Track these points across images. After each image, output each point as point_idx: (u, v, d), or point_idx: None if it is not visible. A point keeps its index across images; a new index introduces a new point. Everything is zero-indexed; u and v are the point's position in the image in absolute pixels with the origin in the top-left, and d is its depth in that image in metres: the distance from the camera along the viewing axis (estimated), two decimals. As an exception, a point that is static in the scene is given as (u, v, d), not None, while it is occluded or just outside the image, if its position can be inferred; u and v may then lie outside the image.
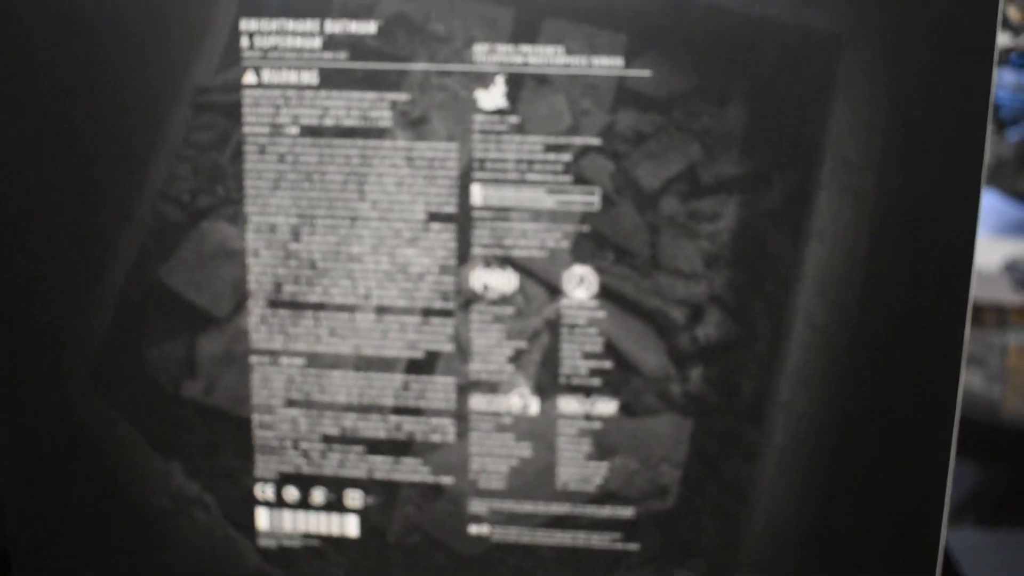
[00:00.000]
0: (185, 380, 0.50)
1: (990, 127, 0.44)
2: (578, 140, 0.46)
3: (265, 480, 0.51)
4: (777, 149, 0.45)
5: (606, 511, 0.49)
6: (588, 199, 0.46)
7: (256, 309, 0.49)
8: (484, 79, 0.45)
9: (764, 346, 0.46)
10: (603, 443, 0.48)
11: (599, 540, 0.49)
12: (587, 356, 0.47)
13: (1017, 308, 0.95)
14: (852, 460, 0.47)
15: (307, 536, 0.51)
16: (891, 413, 0.47)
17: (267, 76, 0.46)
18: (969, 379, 0.93)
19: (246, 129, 0.47)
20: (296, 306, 0.48)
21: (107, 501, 0.52)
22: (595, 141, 0.46)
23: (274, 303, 0.49)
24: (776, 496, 0.48)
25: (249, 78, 0.47)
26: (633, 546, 0.49)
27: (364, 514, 0.50)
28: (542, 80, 0.45)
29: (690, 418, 0.47)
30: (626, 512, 0.49)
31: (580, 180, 0.46)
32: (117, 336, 0.50)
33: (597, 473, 0.49)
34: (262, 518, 0.51)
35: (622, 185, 0.46)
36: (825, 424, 0.47)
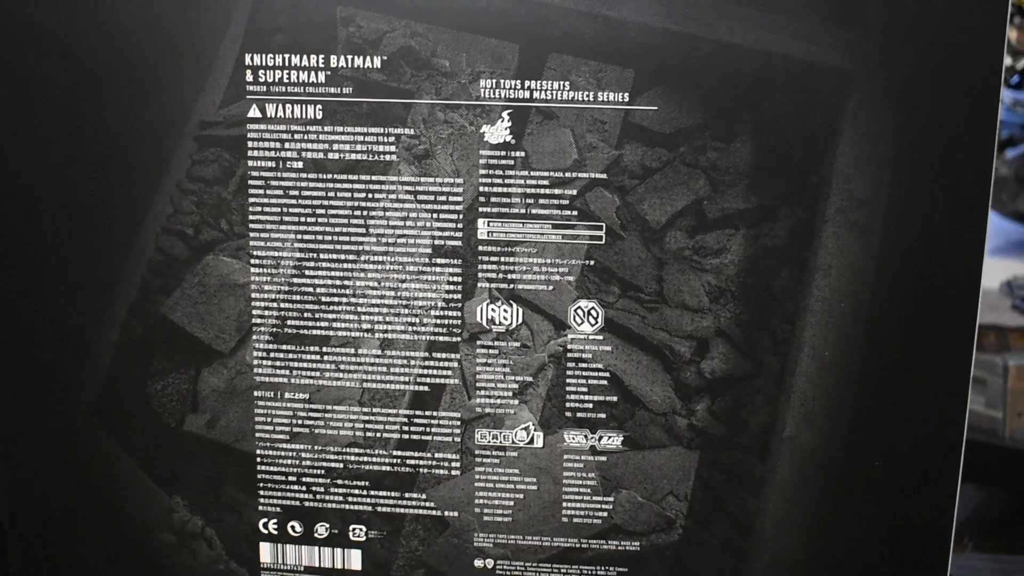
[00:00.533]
0: (188, 414, 0.49)
1: (994, 159, 0.44)
2: (584, 175, 0.46)
3: (268, 514, 0.50)
4: (783, 184, 0.45)
5: (612, 545, 0.49)
6: (594, 233, 0.46)
7: (260, 344, 0.48)
8: (489, 114, 0.45)
9: (770, 380, 0.46)
10: (609, 477, 0.48)
11: (604, 574, 0.49)
12: (592, 390, 0.47)
13: (1017, 330, 0.95)
14: (858, 494, 0.47)
15: (310, 570, 0.51)
16: (897, 448, 0.47)
17: (271, 110, 0.46)
18: (970, 401, 0.93)
19: (251, 163, 0.47)
20: (300, 340, 0.48)
21: (110, 535, 0.51)
22: (601, 176, 0.45)
23: (278, 337, 0.48)
24: (782, 530, 0.48)
25: (254, 112, 0.46)
26: (639, 580, 0.49)
27: (367, 548, 0.50)
28: (548, 115, 0.45)
29: (696, 451, 0.47)
30: (632, 545, 0.49)
31: (585, 215, 0.46)
32: (120, 370, 0.49)
33: (603, 507, 0.48)
34: (265, 552, 0.51)
35: (628, 220, 0.46)
36: (831, 458, 0.47)
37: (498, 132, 0.45)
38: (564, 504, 0.49)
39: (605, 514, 0.48)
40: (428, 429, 0.48)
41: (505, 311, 0.47)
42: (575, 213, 0.46)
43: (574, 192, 0.46)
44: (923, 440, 0.46)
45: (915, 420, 0.46)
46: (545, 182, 0.46)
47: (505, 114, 0.45)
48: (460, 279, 0.47)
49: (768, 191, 0.45)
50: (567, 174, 0.46)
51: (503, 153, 0.46)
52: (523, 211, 0.46)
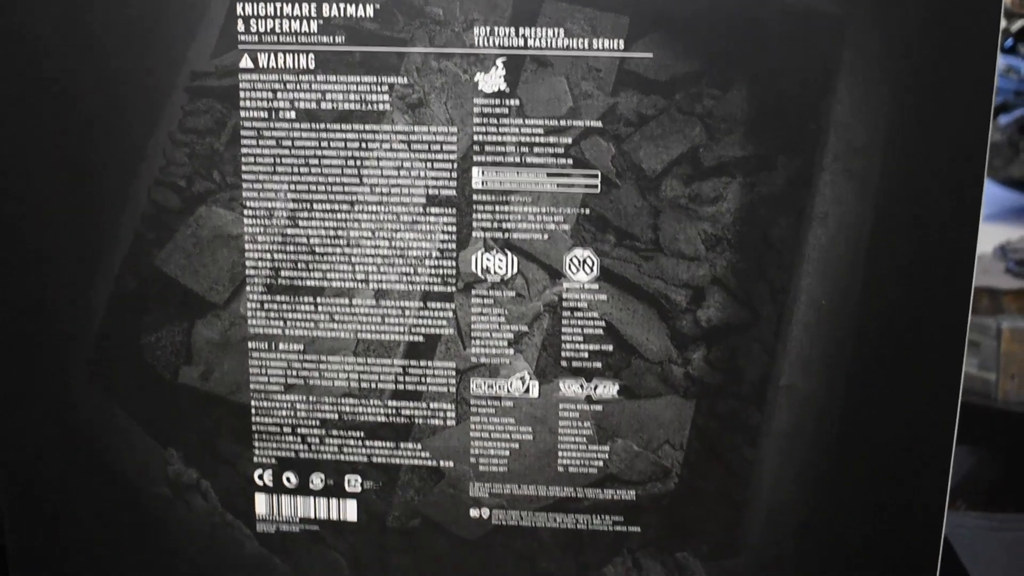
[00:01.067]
0: (182, 367, 0.49)
1: (992, 109, 0.44)
2: (579, 123, 0.45)
3: (263, 466, 0.50)
4: (780, 132, 0.45)
5: (607, 494, 0.49)
6: (589, 181, 0.46)
7: (254, 295, 0.48)
8: (483, 62, 0.45)
9: (766, 329, 0.46)
10: (605, 426, 0.48)
11: (600, 523, 0.49)
12: (588, 339, 0.47)
13: (1010, 293, 0.95)
14: (854, 444, 0.47)
15: (305, 521, 0.51)
16: (894, 396, 0.47)
17: (264, 60, 0.46)
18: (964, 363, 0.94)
19: (243, 114, 0.46)
20: (294, 291, 0.48)
21: (106, 489, 0.51)
22: (596, 124, 0.45)
23: (272, 288, 0.48)
24: (778, 480, 0.48)
25: (245, 62, 0.46)
26: (635, 529, 0.49)
27: (363, 499, 0.50)
28: (542, 63, 0.45)
29: (692, 400, 0.47)
30: (628, 495, 0.49)
31: (581, 163, 0.46)
32: (114, 324, 0.49)
33: (599, 456, 0.48)
34: (260, 504, 0.51)
35: (623, 168, 0.45)
36: (827, 408, 0.47)
37: (492, 80, 0.45)
38: (560, 453, 0.49)
39: (601, 463, 0.49)
40: (423, 379, 0.48)
41: (500, 260, 0.47)
42: (570, 161, 0.46)
43: (569, 140, 0.45)
44: (921, 388, 0.46)
45: (913, 368, 0.46)
46: (540, 130, 0.45)
47: (499, 62, 0.45)
48: (455, 228, 0.47)
49: (765, 139, 0.45)
50: (562, 122, 0.45)
51: (497, 102, 0.45)
52: (518, 160, 0.46)
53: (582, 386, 0.48)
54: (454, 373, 0.48)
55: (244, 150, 0.47)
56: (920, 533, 0.48)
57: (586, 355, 0.47)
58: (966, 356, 0.46)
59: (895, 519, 0.48)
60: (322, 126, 0.46)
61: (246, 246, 0.48)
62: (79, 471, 0.51)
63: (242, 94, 0.46)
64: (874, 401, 0.47)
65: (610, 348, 0.47)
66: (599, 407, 0.48)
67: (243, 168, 0.47)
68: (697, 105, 0.45)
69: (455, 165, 0.46)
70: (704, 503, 0.48)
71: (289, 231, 0.47)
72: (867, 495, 0.48)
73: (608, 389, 0.48)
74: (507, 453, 0.49)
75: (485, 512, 0.50)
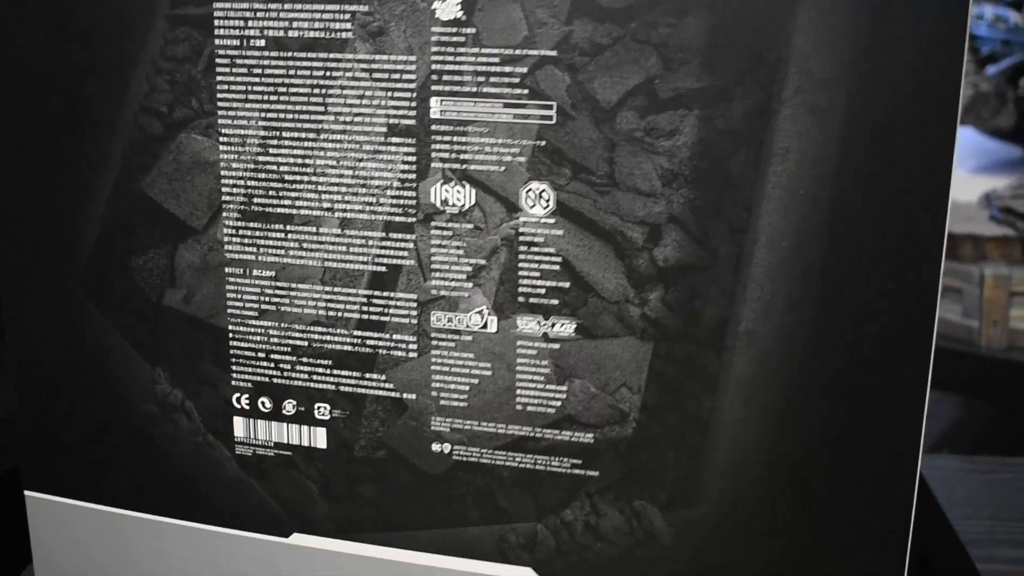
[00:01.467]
0: (167, 289, 0.51)
1: (967, 43, 0.41)
2: (534, 52, 0.45)
3: (240, 389, 0.52)
4: (738, 63, 0.43)
5: (565, 436, 0.48)
6: (544, 113, 0.45)
7: (229, 220, 0.50)
8: (441, -11, 0.45)
9: (724, 270, 0.45)
10: (562, 365, 0.47)
11: (559, 465, 0.48)
12: (545, 275, 0.47)
13: (994, 240, 0.94)
14: (820, 391, 0.45)
15: (279, 446, 0.52)
16: (862, 343, 0.44)
17: (236, -12, 0.47)
18: (947, 310, 0.93)
19: (217, 42, 0.48)
20: (266, 218, 0.49)
21: (103, 406, 0.54)
22: (551, 53, 0.44)
23: (246, 215, 0.49)
24: (739, 428, 0.46)
25: (219, -10, 0.47)
26: (592, 473, 0.48)
27: (332, 427, 0.51)
28: (498, -10, 0.44)
29: (649, 343, 0.46)
30: (585, 437, 0.48)
31: (536, 93, 0.45)
32: (105, 245, 0.52)
33: (556, 396, 0.48)
34: (238, 426, 0.52)
35: (579, 99, 0.45)
36: (791, 354, 0.45)
37: (448, 8, 0.45)
38: (518, 391, 0.48)
39: (559, 404, 0.48)
40: (386, 310, 0.49)
41: (458, 192, 0.47)
42: (526, 92, 0.45)
43: (524, 70, 0.45)
44: (891, 337, 0.44)
45: (882, 314, 0.44)
46: (496, 59, 0.45)
47: (456, -11, 0.45)
48: (415, 159, 0.47)
49: (722, 70, 0.43)
50: (517, 51, 0.45)
51: (454, 30, 0.45)
52: (474, 89, 0.45)
53: (539, 323, 0.47)
54: (415, 305, 0.48)
55: (219, 78, 0.48)
56: (893, 478, 0.45)
57: (543, 291, 0.47)
58: (950, 303, 0.43)
59: (865, 470, 0.45)
60: (289, 54, 0.47)
61: (222, 172, 0.49)
62: (80, 389, 0.54)
63: (216, 22, 0.48)
64: (840, 346, 0.44)
65: (567, 285, 0.46)
66: (556, 345, 0.47)
67: (218, 96, 0.48)
68: (653, 34, 0.43)
69: (414, 95, 0.46)
70: (662, 450, 0.47)
71: (260, 159, 0.49)
72: (834, 445, 0.45)
73: (565, 328, 0.47)
74: (467, 388, 0.49)
75: (446, 447, 0.50)
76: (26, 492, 0.57)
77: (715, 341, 0.45)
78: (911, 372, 0.44)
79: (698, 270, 0.45)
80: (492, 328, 0.48)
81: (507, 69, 0.45)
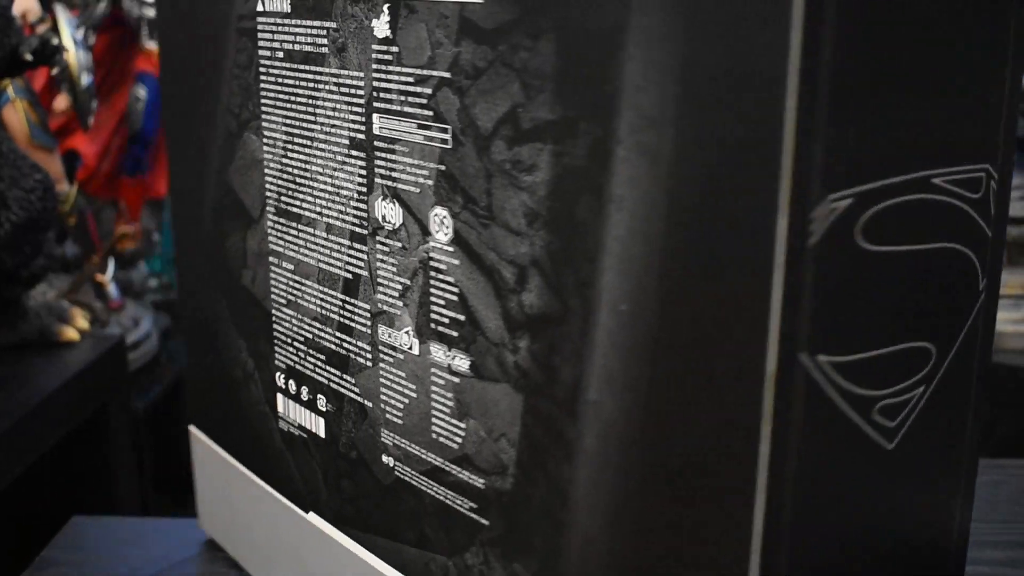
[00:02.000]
0: (243, 269, 0.58)
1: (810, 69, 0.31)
2: (436, 73, 0.43)
3: (280, 369, 0.57)
4: (582, 93, 0.37)
5: (464, 475, 0.46)
6: (443, 136, 0.43)
7: (270, 215, 0.55)
8: (376, 7, 0.45)
9: (576, 327, 0.39)
10: (461, 401, 0.45)
11: (461, 504, 0.46)
12: (448, 305, 0.45)
13: None
14: (662, 481, 0.38)
15: (302, 429, 0.56)
16: (695, 433, 0.36)
17: (268, 4, 0.52)
18: None
19: (260, 53, 0.53)
20: (288, 215, 0.54)
21: (219, 368, 0.63)
22: (446, 75, 0.43)
23: (277, 211, 0.54)
24: (592, 507, 0.40)
25: (259, 6, 0.52)
26: (484, 521, 0.45)
27: (327, 419, 0.54)
28: (411, 8, 0.44)
29: (521, 395, 0.42)
30: (478, 482, 0.45)
31: (438, 115, 0.43)
32: (213, 228, 0.60)
33: (458, 431, 0.46)
34: (280, 403, 0.57)
35: (466, 124, 0.42)
36: (630, 434, 0.38)
37: (381, 26, 0.45)
38: (432, 419, 0.47)
39: (460, 440, 0.46)
40: (353, 316, 0.50)
41: (391, 209, 0.47)
42: (431, 113, 0.44)
43: (429, 91, 0.43)
44: (725, 422, 0.35)
45: (715, 391, 0.36)
46: (411, 79, 0.44)
47: (385, 7, 0.45)
48: (365, 173, 0.48)
49: (570, 100, 0.38)
50: (424, 71, 0.44)
51: (385, 48, 0.45)
52: (399, 108, 0.45)
53: (445, 353, 0.45)
54: (369, 315, 0.49)
55: (261, 85, 0.53)
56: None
57: (447, 321, 0.45)
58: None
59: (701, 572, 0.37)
60: (294, 66, 0.51)
61: (265, 170, 0.54)
62: (213, 346, 0.63)
63: (258, 34, 0.53)
64: (678, 433, 0.37)
65: (463, 319, 0.44)
66: (457, 379, 0.45)
67: (261, 101, 0.54)
68: (516, 58, 0.39)
69: (364, 110, 0.47)
70: (533, 514, 0.43)
71: (283, 160, 0.53)
72: (675, 542, 0.38)
73: (462, 363, 0.45)
74: (402, 406, 0.49)
75: (391, 461, 0.50)
76: (191, 428, 0.68)
77: (570, 406, 0.40)
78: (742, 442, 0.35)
79: (555, 323, 0.40)
80: (415, 351, 0.47)
81: (418, 89, 0.44)
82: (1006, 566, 0.58)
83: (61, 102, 1.24)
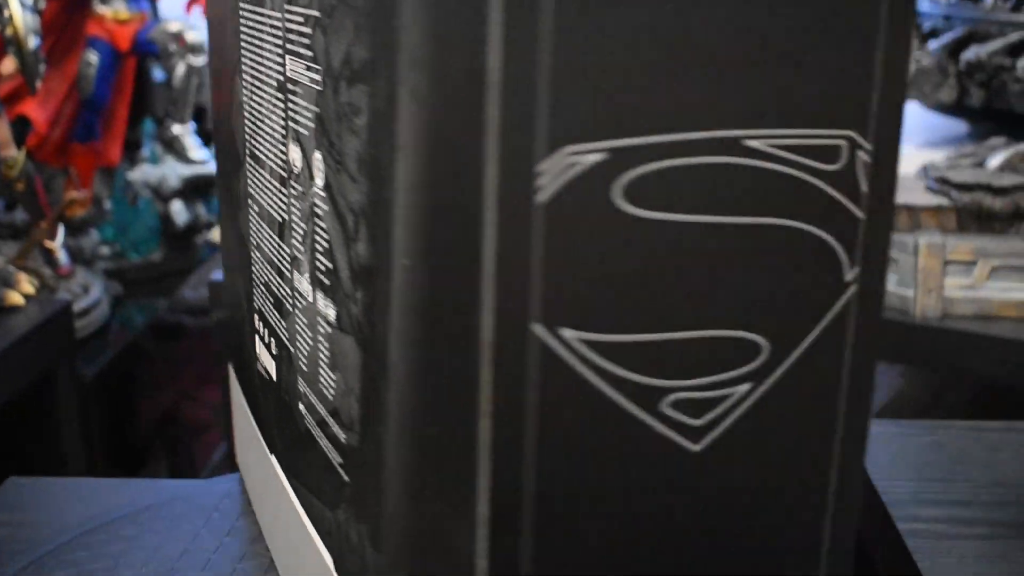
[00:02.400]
0: (239, 212, 0.59)
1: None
2: (312, 12, 0.42)
3: (255, 311, 0.58)
4: (382, 31, 0.35)
5: (335, 428, 0.45)
6: (316, 77, 0.42)
7: (247, 156, 0.56)
8: None
9: (382, 282, 0.37)
10: (333, 352, 0.44)
11: (334, 459, 0.45)
12: (323, 252, 0.44)
13: (928, 209, 0.96)
14: (436, 449, 0.35)
15: (265, 370, 0.57)
16: (456, 396, 0.34)
17: None
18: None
19: (238, -6, 0.54)
20: (254, 158, 0.54)
21: (235, 306, 0.64)
22: (317, 14, 0.41)
23: (250, 154, 0.55)
24: (395, 472, 0.38)
25: None
26: (347, 478, 0.44)
27: (276, 362, 0.54)
28: (300, -55, 0.42)
29: (359, 349, 0.41)
30: (342, 437, 0.44)
31: (315, 56, 0.42)
32: (226, 169, 0.61)
33: (332, 382, 0.45)
34: (257, 345, 0.58)
35: (326, 65, 0.41)
36: (420, 395, 0.36)
37: None
38: (318, 368, 0.46)
39: (334, 391, 0.45)
40: (282, 260, 0.50)
41: (296, 153, 0.46)
42: (311, 54, 0.43)
43: (309, 30, 0.42)
44: (458, 395, 0.33)
45: (462, 364, 0.33)
46: (300, 19, 0.43)
47: None
48: (284, 115, 0.47)
49: (377, 39, 0.36)
50: (307, 10, 0.42)
51: (289, -14, 0.44)
52: (296, 49, 0.44)
53: (323, 301, 0.44)
54: (289, 260, 0.49)
55: (240, 27, 0.54)
56: None
57: (323, 269, 0.44)
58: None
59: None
60: (251, 7, 0.51)
61: (244, 113, 0.55)
62: (235, 283, 0.65)
63: None
64: (443, 402, 0.34)
65: (332, 267, 0.43)
66: (330, 330, 0.44)
67: (240, 43, 0.54)
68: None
69: (281, 51, 0.47)
70: (367, 475, 0.41)
71: (250, 103, 0.53)
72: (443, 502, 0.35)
73: (332, 311, 0.44)
74: (305, 353, 0.48)
75: (302, 408, 0.50)
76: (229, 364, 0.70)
77: (383, 363, 0.38)
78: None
79: (373, 275, 0.38)
80: (311, 298, 0.46)
81: (304, 29, 0.43)
82: (945, 523, 0.59)
83: (8, 65, 1.18)
